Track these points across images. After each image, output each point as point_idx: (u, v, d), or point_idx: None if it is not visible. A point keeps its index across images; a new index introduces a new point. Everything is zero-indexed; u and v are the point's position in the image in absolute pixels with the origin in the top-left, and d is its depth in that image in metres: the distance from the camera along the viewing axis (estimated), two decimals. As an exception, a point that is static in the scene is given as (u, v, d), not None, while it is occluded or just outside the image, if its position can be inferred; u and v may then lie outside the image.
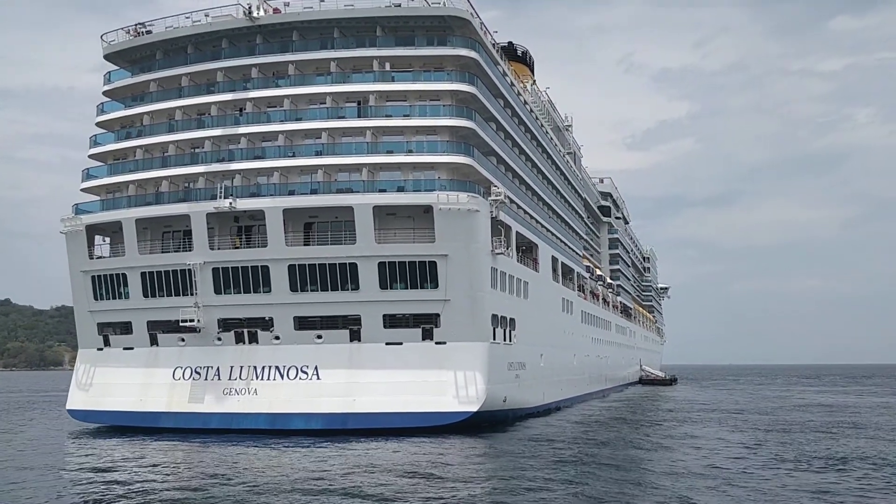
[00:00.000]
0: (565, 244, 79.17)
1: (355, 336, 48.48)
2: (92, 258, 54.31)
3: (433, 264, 47.60)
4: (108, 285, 53.21)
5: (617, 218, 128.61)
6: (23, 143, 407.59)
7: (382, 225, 48.44)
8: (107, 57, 57.05)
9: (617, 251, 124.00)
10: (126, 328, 53.23)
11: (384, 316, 48.14)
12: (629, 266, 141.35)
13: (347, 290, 48.23)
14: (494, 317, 50.48)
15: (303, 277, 48.59)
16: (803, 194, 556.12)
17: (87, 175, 55.95)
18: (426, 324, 48.03)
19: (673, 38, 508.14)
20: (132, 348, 52.77)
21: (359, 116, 51.15)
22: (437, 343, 47.88)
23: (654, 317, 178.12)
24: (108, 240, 56.11)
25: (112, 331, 53.80)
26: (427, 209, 48.23)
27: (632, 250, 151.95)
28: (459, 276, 47.62)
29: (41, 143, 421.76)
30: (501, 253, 51.70)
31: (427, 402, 46.53)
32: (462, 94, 51.37)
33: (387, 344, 48.04)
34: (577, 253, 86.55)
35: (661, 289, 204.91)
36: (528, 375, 57.76)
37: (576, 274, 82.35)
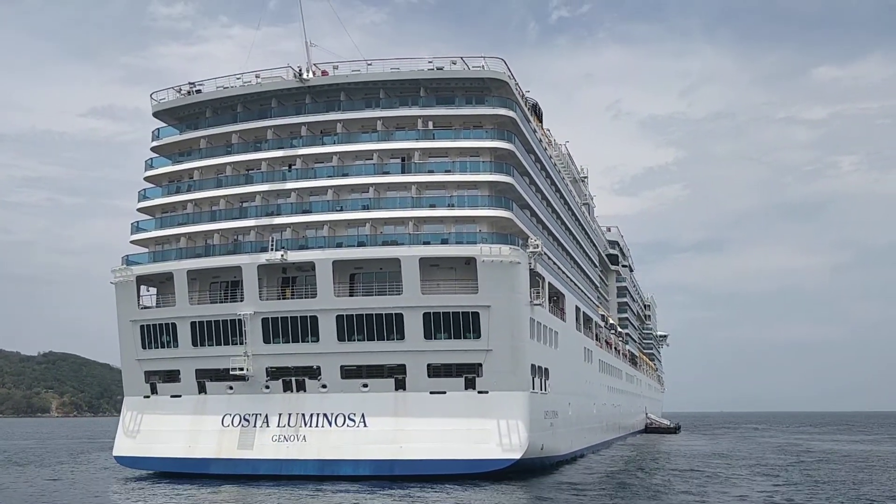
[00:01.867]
0: (585, 294, 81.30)
1: (400, 385, 50.10)
2: (140, 308, 55.95)
3: (476, 315, 49.46)
4: (157, 334, 54.80)
5: (623, 266, 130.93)
6: (13, 187, 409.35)
7: (426, 276, 50.35)
8: (156, 114, 59.39)
9: (625, 299, 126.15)
10: (174, 376, 54.71)
11: (428, 365, 49.83)
12: (634, 314, 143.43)
13: (393, 339, 49.98)
14: (533, 366, 52.26)
15: (350, 327, 50.37)
16: (792, 241, 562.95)
17: (137, 228, 57.88)
18: (469, 373, 49.74)
19: (660, 86, 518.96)
20: (180, 396, 54.20)
21: (403, 172, 53.45)
22: (479, 392, 49.50)
23: (654, 364, 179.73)
24: (151, 290, 57.84)
25: (159, 379, 55.25)
26: (468, 261, 50.25)
27: (636, 298, 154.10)
28: (501, 326, 49.46)
29: (32, 186, 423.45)
30: (539, 304, 53.70)
31: (471, 450, 48.03)
32: (501, 150, 53.77)
33: (431, 393, 49.64)
34: (593, 302, 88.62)
35: (661, 336, 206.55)
36: (559, 424, 59.38)
37: (594, 323, 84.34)
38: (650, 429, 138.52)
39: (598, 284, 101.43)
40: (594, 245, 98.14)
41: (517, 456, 48.24)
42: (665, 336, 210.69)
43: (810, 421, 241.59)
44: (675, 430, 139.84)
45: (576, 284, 75.07)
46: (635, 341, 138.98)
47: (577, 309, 73.30)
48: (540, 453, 52.79)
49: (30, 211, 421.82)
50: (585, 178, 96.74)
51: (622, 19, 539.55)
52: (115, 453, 55.61)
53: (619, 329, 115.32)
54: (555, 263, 64.27)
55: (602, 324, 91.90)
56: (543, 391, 54.83)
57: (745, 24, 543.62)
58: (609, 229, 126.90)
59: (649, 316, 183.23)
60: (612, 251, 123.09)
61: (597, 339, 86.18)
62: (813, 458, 72.47)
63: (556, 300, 63.64)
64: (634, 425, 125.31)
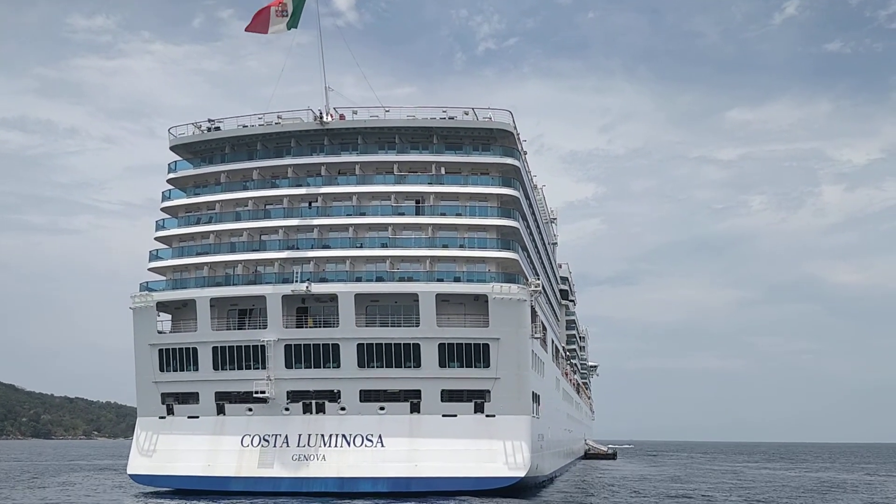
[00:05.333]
0: (553, 327, 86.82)
1: (415, 408, 54.27)
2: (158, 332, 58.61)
3: (486, 346, 54.15)
4: (176, 358, 57.50)
5: (571, 300, 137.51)
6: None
7: (439, 310, 54.81)
8: (173, 148, 62.34)
9: (573, 331, 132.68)
10: (189, 398, 57.42)
11: (442, 391, 54.18)
12: (577, 345, 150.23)
13: (410, 367, 54.24)
14: (532, 393, 57.12)
15: (370, 354, 54.41)
16: (702, 276, 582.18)
17: (156, 256, 60.60)
18: (478, 398, 54.27)
19: (581, 121, 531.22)
20: (197, 417, 56.93)
21: (417, 214, 57.88)
22: (487, 416, 54.07)
23: (588, 393, 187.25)
24: (165, 316, 60.36)
25: (176, 400, 57.84)
26: (478, 297, 55.01)
27: (577, 330, 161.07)
28: (508, 357, 54.24)
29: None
30: (538, 337, 58.71)
31: (480, 468, 52.49)
32: (506, 196, 58.73)
33: (443, 416, 53.97)
34: (558, 335, 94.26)
35: (592, 367, 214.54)
36: (545, 447, 64.33)
37: (560, 354, 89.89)
38: (589, 455, 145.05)
39: (558, 317, 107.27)
40: (557, 281, 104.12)
41: (522, 474, 52.86)
42: (595, 366, 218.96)
43: (718, 450, 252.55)
44: (612, 456, 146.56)
45: (549, 319, 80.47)
46: (578, 371, 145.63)
47: (552, 341, 78.65)
48: (535, 472, 57.60)
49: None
50: (555, 219, 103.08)
51: (546, 55, 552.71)
52: (129, 471, 57.80)
53: (571, 360, 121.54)
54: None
55: (564, 355, 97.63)
56: (537, 416, 59.70)
57: (664, 65, 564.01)
58: (561, 266, 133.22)
59: (584, 347, 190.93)
60: (563, 286, 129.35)
61: (559, 369, 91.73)
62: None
63: (542, 333, 68.76)
64: (578, 451, 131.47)
